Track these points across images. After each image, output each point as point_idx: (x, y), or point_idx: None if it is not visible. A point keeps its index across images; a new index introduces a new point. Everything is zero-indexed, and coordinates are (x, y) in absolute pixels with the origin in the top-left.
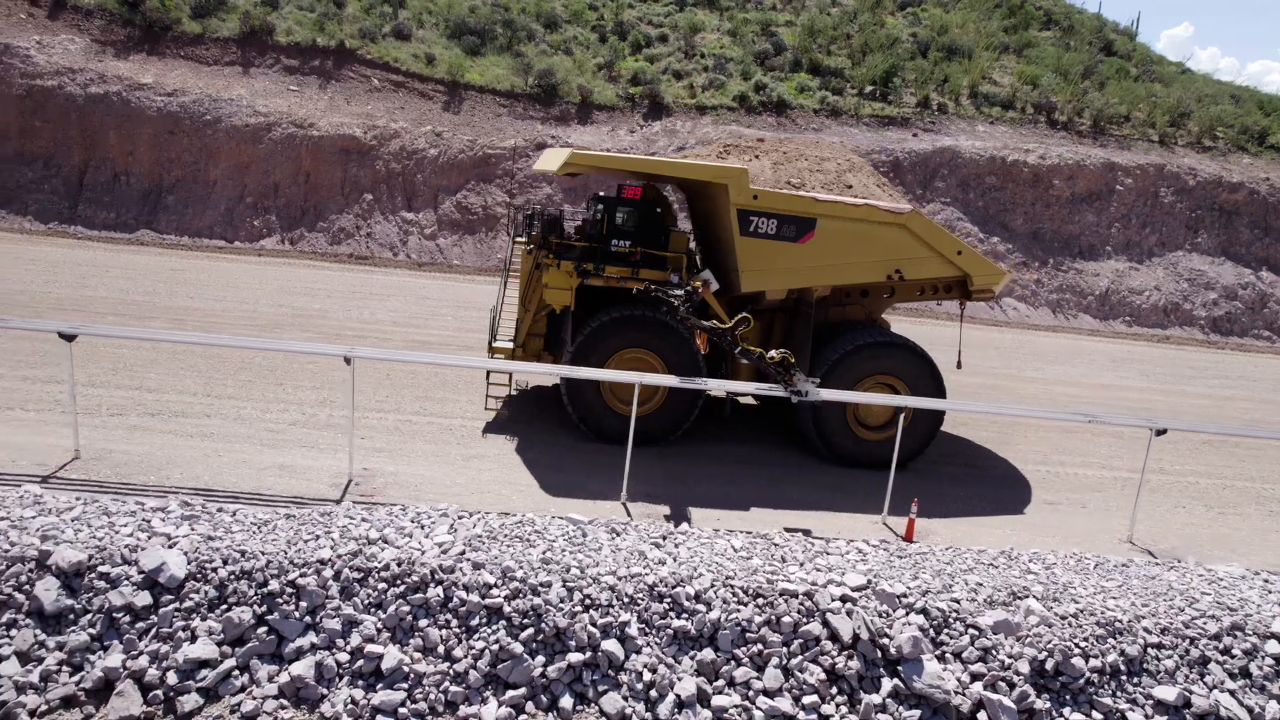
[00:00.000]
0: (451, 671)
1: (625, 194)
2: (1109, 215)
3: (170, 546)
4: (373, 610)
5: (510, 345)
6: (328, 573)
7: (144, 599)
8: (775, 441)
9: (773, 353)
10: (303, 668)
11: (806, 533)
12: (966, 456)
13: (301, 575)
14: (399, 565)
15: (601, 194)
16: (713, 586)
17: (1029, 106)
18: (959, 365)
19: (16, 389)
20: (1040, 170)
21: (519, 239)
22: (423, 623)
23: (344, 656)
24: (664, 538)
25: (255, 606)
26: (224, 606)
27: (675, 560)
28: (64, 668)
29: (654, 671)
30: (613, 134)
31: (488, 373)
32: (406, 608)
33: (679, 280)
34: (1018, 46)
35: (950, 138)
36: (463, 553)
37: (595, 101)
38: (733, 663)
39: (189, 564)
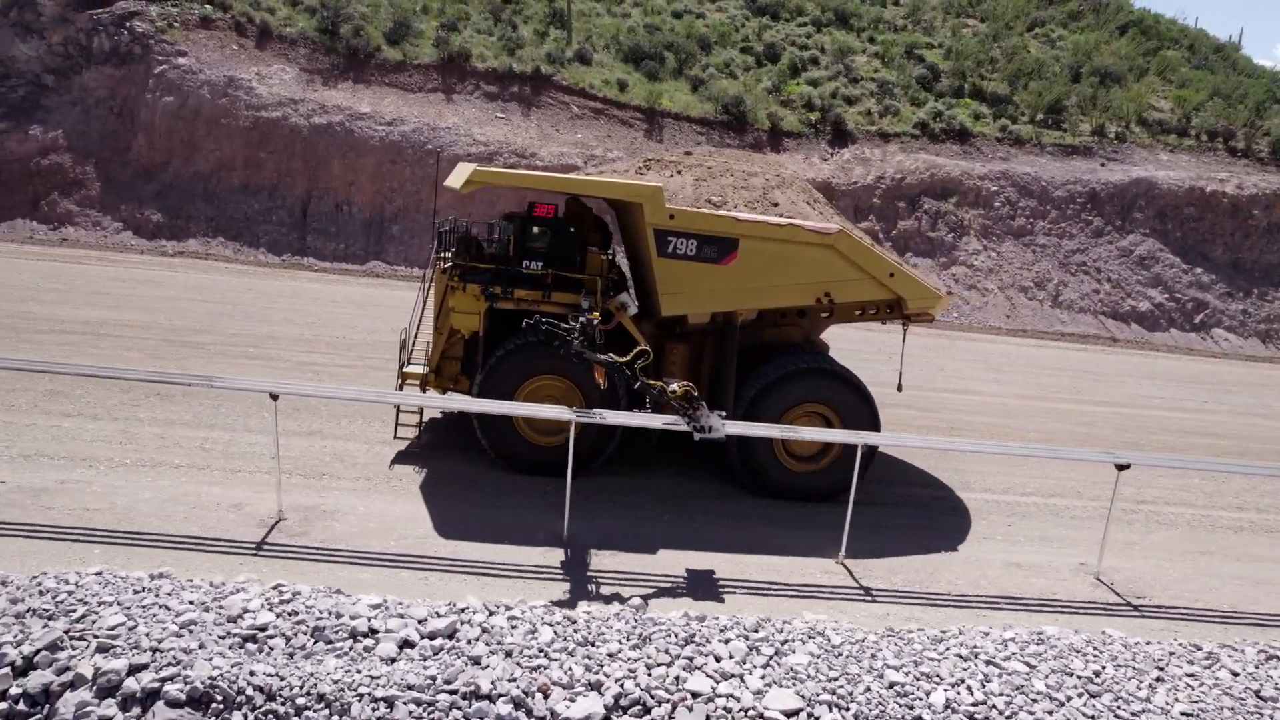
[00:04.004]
0: None
1: (537, 212)
2: None
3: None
4: None
5: (423, 369)
6: None
7: None
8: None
9: (674, 386)
10: None
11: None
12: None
13: None
14: None
15: (511, 212)
16: None
17: (1203, 134)
18: (899, 389)
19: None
20: (1239, 200)
21: (442, 256)
22: None
23: None
24: None
25: None
26: None
27: None
28: None
29: None
30: (808, 162)
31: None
32: None
33: (590, 304)
34: (1158, 69)
35: (1139, 167)
36: None
37: (783, 129)
38: None
39: None
